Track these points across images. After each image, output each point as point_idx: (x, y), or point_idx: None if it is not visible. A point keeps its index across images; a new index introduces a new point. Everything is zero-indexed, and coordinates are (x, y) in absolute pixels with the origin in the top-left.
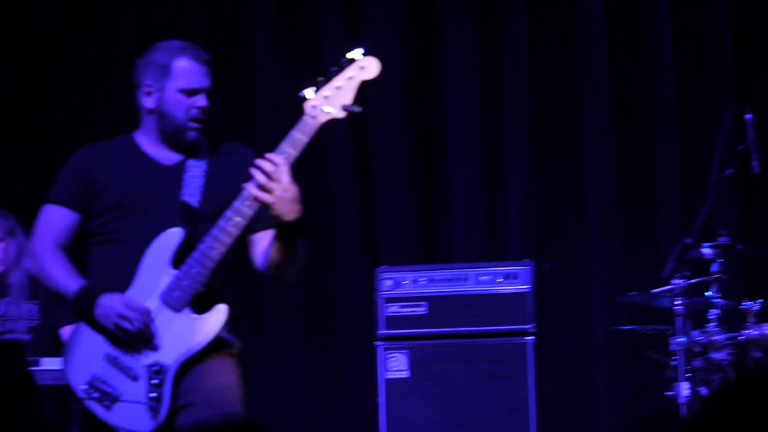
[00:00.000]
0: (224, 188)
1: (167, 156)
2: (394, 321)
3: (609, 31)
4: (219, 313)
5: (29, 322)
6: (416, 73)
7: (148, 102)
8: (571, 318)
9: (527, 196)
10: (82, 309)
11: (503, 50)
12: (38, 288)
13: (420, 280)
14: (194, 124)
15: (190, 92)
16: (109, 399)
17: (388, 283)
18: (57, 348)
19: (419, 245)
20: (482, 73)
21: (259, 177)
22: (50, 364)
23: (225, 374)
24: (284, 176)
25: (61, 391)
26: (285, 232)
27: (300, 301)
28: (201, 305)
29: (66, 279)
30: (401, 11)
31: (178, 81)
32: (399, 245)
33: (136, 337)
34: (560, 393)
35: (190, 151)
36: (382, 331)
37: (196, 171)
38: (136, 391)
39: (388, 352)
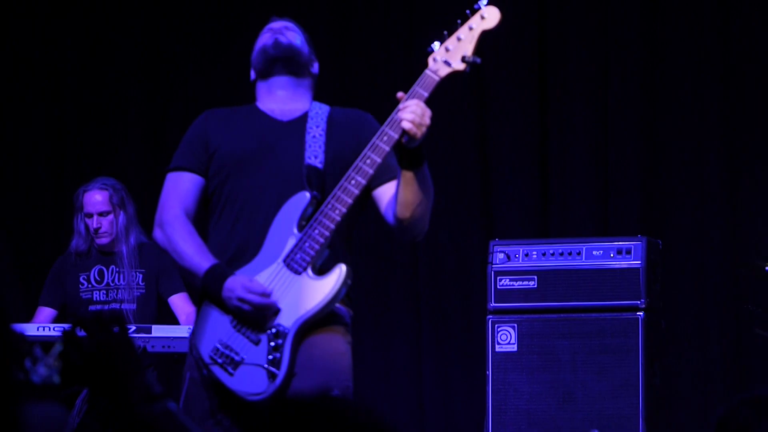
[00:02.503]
0: (345, 145)
1: (283, 111)
2: (504, 294)
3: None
4: (338, 273)
5: (135, 291)
6: (535, 44)
7: (252, 74)
8: (682, 294)
9: (641, 171)
10: (210, 289)
11: (616, 21)
12: (143, 257)
13: (532, 253)
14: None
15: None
16: (232, 365)
17: (500, 256)
18: (163, 316)
19: (533, 219)
20: (596, 45)
21: (408, 114)
22: (160, 331)
23: (334, 342)
24: (427, 113)
25: (169, 358)
26: (412, 158)
27: (412, 273)
28: (322, 267)
29: (196, 257)
30: None
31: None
32: (513, 219)
33: (255, 317)
34: (670, 370)
35: (301, 102)
36: (492, 305)
37: (316, 131)
38: (257, 354)
39: (497, 325)
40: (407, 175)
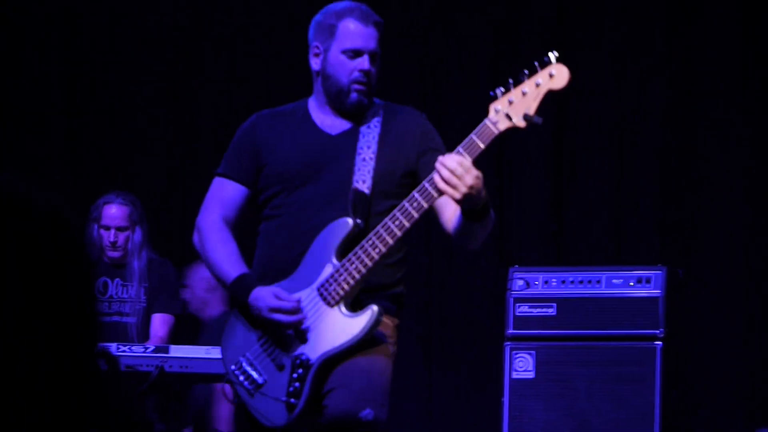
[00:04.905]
0: (394, 164)
1: (334, 124)
2: (523, 321)
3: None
4: (369, 316)
5: (137, 305)
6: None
7: (315, 63)
8: (701, 324)
9: (660, 200)
10: (237, 298)
11: (635, 57)
12: (150, 272)
13: (551, 281)
14: (357, 86)
15: (354, 54)
16: (253, 386)
17: (520, 282)
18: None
19: (549, 246)
20: (616, 58)
21: (444, 173)
22: (178, 351)
23: (374, 361)
24: (469, 175)
25: (186, 379)
26: (472, 215)
27: (427, 297)
28: (357, 302)
29: (226, 265)
30: None
31: (342, 42)
32: (530, 245)
33: (287, 329)
34: (686, 400)
35: (354, 116)
36: (510, 331)
37: (367, 153)
38: (279, 382)
39: (515, 352)
40: (467, 222)
